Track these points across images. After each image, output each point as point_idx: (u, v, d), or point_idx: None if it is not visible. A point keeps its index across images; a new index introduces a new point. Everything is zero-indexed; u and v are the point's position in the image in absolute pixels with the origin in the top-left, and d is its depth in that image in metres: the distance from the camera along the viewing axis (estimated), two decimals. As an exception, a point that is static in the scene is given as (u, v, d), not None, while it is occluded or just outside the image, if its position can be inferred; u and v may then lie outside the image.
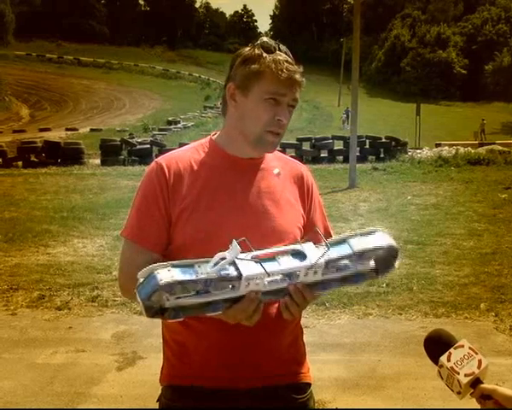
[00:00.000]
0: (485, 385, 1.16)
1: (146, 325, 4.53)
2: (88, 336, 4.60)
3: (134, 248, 1.51)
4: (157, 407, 1.59)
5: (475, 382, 1.17)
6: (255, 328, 1.36)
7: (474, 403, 1.21)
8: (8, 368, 4.01)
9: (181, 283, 1.21)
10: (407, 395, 3.58)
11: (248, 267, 1.25)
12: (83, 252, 7.24)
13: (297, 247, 1.35)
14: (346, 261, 1.35)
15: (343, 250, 1.35)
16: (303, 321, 1.63)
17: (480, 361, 1.18)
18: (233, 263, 1.26)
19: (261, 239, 1.48)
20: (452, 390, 1.19)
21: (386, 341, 4.41)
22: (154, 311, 1.24)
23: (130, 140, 21.36)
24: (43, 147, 19.52)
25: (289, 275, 1.32)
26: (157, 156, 1.74)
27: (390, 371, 3.92)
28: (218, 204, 1.49)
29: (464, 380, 1.16)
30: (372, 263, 1.39)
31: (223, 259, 1.25)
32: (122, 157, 19.41)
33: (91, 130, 32.61)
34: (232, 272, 1.25)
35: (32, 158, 19.12)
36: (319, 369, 3.66)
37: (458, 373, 1.16)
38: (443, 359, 1.18)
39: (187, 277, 1.22)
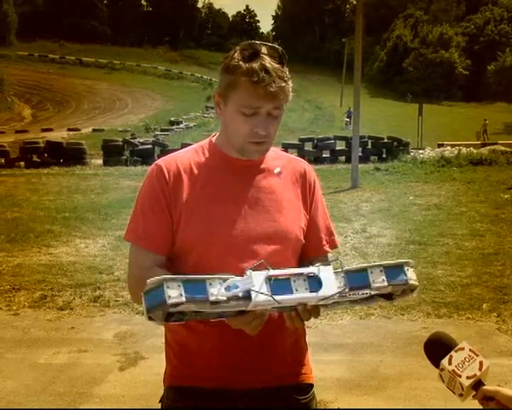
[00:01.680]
0: (488, 387, 1.16)
1: (148, 325, 4.50)
2: (90, 336, 4.60)
3: (139, 251, 1.50)
4: (159, 408, 1.59)
5: (477, 384, 1.17)
6: (257, 329, 1.36)
7: (475, 404, 1.21)
8: (11, 368, 4.01)
9: (189, 301, 1.17)
10: (409, 396, 3.58)
11: (259, 295, 1.21)
12: (85, 252, 7.25)
13: (314, 271, 1.27)
14: (361, 292, 1.30)
15: (361, 283, 1.28)
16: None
17: (481, 363, 1.18)
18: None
19: (262, 240, 1.48)
20: (454, 393, 1.19)
21: (388, 341, 4.41)
22: (156, 320, 1.22)
23: (133, 140, 21.31)
24: (46, 147, 19.52)
25: (300, 303, 1.29)
26: (159, 157, 1.74)
27: (392, 371, 3.92)
28: (217, 205, 1.49)
29: (466, 383, 1.16)
30: (387, 290, 1.34)
31: (236, 286, 1.21)
32: (124, 157, 19.40)
33: (93, 130, 32.61)
34: (242, 294, 1.21)
35: (35, 158, 19.14)
36: (321, 369, 3.66)
37: (460, 376, 1.16)
38: (444, 362, 1.18)
39: (196, 296, 1.17)
